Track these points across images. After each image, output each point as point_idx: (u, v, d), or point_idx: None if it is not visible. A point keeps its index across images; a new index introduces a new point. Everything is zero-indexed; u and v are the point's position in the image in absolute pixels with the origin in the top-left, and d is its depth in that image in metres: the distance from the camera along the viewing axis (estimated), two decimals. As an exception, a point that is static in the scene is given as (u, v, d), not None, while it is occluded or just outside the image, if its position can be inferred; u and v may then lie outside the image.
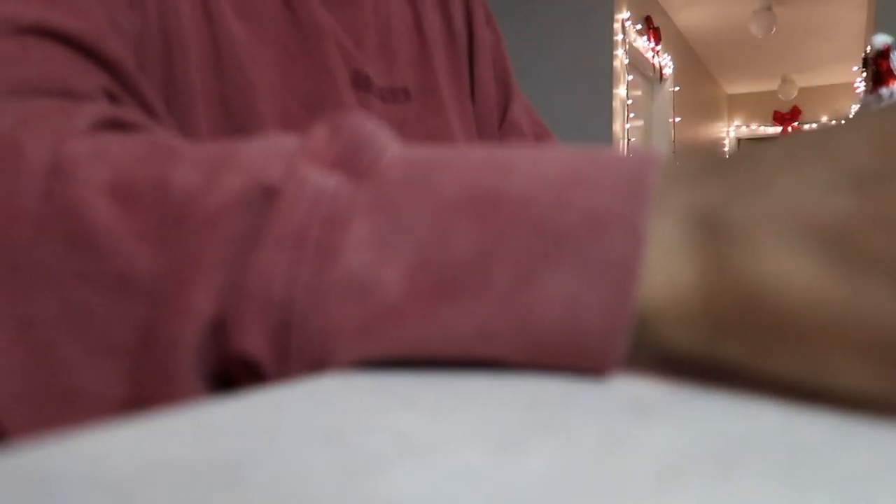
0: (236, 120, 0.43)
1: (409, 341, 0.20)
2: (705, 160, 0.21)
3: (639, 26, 3.71)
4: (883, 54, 0.54)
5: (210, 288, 0.20)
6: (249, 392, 0.18)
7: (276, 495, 0.11)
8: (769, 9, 4.05)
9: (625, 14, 3.47)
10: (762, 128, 6.26)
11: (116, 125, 0.28)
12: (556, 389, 0.19)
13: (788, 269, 0.18)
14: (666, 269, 0.19)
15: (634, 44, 3.65)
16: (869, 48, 0.54)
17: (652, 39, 3.90)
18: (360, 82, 0.48)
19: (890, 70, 0.54)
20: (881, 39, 0.53)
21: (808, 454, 0.14)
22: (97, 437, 0.14)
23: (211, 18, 0.44)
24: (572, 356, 0.19)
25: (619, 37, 3.42)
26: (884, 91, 0.50)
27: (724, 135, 6.24)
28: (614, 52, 3.39)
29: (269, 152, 0.22)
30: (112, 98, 0.35)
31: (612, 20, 3.38)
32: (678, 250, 0.19)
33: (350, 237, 0.20)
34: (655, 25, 3.93)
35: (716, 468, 0.13)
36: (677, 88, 4.44)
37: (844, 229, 0.17)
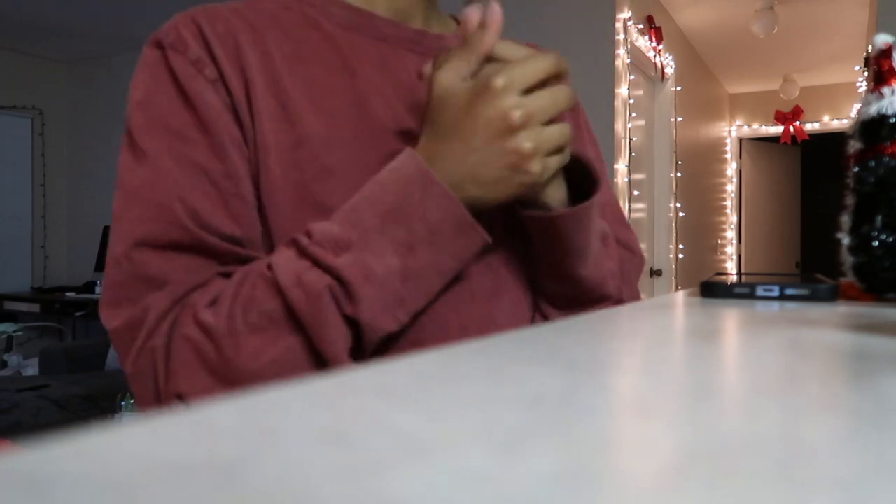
0: (316, 197, 0.56)
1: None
2: None
3: (640, 26, 3.71)
4: (884, 54, 0.54)
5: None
6: (251, 392, 0.18)
7: (277, 495, 0.11)
8: (771, 8, 4.05)
9: (626, 14, 3.46)
10: (764, 127, 6.25)
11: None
12: (557, 389, 0.19)
13: None
14: None
15: (636, 43, 3.64)
16: (870, 47, 0.54)
17: (653, 39, 3.90)
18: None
19: (892, 69, 0.53)
20: (882, 39, 0.53)
21: (808, 454, 0.14)
22: (99, 437, 0.14)
23: (291, 120, 0.57)
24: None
25: (621, 36, 3.42)
26: (885, 90, 0.50)
27: (725, 134, 6.23)
28: (616, 52, 3.38)
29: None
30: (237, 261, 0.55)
31: (613, 20, 3.38)
32: None
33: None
34: (657, 25, 3.92)
35: (715, 468, 0.13)
36: (679, 88, 4.44)
37: None
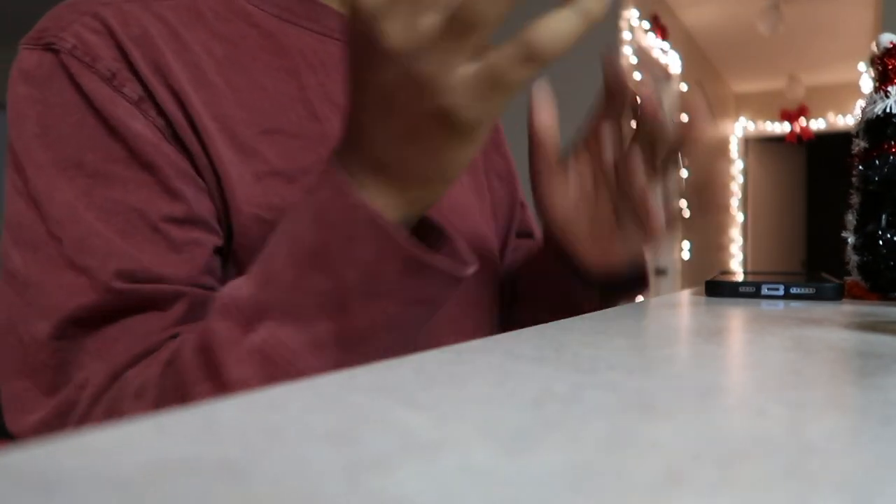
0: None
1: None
2: None
3: (646, 25, 3.70)
4: (889, 52, 0.53)
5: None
6: (255, 391, 0.18)
7: (281, 493, 0.11)
8: (777, 7, 4.04)
9: (632, 13, 3.46)
10: (769, 126, 6.23)
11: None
12: (562, 388, 0.19)
13: None
14: None
15: (641, 43, 3.64)
16: (874, 46, 0.53)
17: (659, 38, 3.89)
18: None
19: (897, 68, 0.54)
20: (887, 38, 0.52)
21: (813, 453, 0.14)
22: (104, 435, 0.14)
23: (242, 148, 0.45)
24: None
25: (627, 36, 3.41)
26: (891, 89, 0.50)
27: (731, 133, 6.22)
28: (621, 51, 3.38)
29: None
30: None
31: (619, 19, 3.37)
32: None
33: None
34: (662, 24, 3.92)
35: (721, 466, 0.13)
36: (685, 87, 4.43)
37: None
